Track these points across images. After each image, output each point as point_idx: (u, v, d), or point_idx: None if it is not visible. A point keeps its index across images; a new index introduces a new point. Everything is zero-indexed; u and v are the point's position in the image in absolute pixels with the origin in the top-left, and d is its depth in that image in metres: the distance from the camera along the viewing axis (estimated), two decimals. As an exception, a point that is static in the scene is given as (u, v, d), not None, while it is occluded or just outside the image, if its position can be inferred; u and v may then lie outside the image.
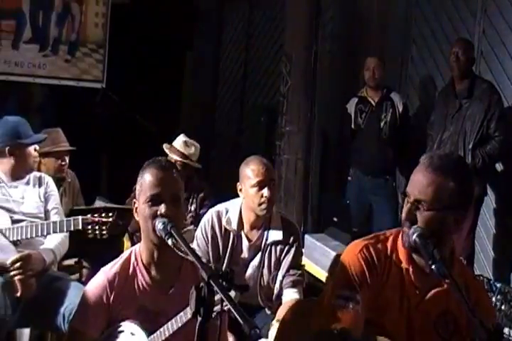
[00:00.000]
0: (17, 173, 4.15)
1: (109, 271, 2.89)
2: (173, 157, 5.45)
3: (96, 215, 3.89)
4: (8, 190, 4.13)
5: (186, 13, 8.33)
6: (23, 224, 4.00)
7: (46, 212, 4.14)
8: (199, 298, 2.14)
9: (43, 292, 3.89)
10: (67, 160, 5.23)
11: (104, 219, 3.89)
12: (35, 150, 4.19)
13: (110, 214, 3.90)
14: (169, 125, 5.82)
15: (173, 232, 2.56)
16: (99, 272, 2.93)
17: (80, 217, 3.90)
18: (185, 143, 5.57)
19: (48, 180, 4.29)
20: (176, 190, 2.78)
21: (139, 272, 2.87)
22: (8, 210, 4.07)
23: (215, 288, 2.15)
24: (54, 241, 4.06)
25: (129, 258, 2.90)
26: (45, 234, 3.96)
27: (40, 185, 4.22)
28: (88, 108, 7.42)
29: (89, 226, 3.88)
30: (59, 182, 5.19)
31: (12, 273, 3.82)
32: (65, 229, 3.93)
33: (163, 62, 7.87)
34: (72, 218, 3.93)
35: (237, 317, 2.03)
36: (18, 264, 3.83)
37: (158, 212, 2.69)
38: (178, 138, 5.61)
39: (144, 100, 7.64)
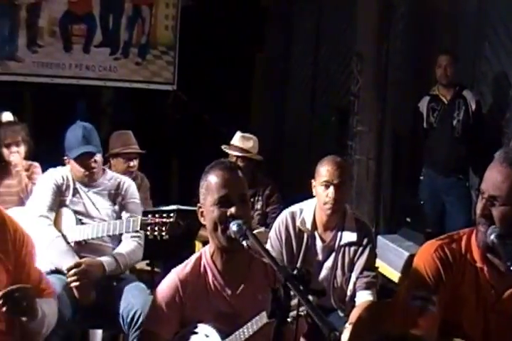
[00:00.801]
0: (82, 179, 4.20)
1: (180, 271, 2.90)
2: (233, 153, 5.48)
3: (156, 216, 3.85)
4: (81, 194, 4.17)
5: (255, 13, 8.32)
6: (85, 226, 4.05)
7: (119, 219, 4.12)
8: (276, 301, 2.12)
9: (103, 292, 3.91)
10: (136, 163, 5.32)
11: (164, 220, 3.83)
12: (94, 161, 4.18)
13: (171, 215, 3.85)
14: (239, 126, 5.80)
15: (248, 234, 2.54)
16: (170, 273, 2.93)
17: (139, 218, 3.89)
18: (243, 137, 5.58)
19: (128, 186, 4.26)
20: (244, 190, 2.76)
21: (210, 272, 2.87)
22: (78, 213, 4.11)
23: (292, 291, 2.12)
24: (123, 249, 4.05)
25: (199, 259, 2.90)
26: (104, 234, 3.96)
27: (117, 191, 4.21)
28: (159, 110, 7.49)
29: (149, 227, 3.84)
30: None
31: (68, 280, 3.87)
32: (124, 230, 3.93)
33: (232, 63, 7.86)
34: (131, 219, 3.93)
35: (316, 319, 1.99)
36: (73, 271, 3.86)
37: (229, 214, 2.67)
38: (236, 135, 5.63)
39: (214, 101, 7.66)
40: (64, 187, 4.14)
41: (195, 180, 2.90)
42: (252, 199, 5.46)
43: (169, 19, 7.28)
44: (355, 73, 6.50)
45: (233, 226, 2.60)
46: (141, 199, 5.35)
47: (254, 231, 5.05)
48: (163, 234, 3.84)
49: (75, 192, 4.15)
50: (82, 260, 3.90)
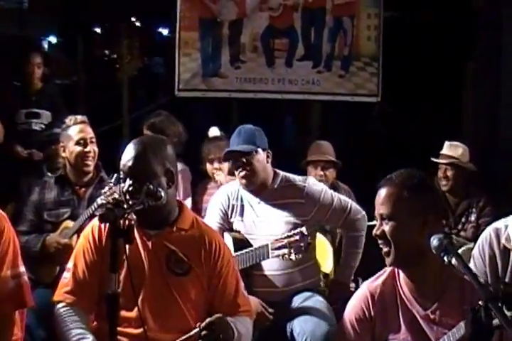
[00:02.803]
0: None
1: (371, 283, 2.79)
2: (441, 161, 5.31)
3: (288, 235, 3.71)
4: (254, 207, 4.03)
5: (466, 20, 7.97)
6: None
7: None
8: (475, 322, 1.98)
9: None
10: (329, 173, 5.26)
11: (292, 239, 3.70)
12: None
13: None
14: (449, 137, 5.55)
15: (449, 249, 2.37)
16: (362, 285, 2.85)
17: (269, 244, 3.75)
18: (451, 145, 5.40)
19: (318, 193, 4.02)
20: None
21: (401, 287, 2.73)
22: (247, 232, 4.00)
23: (494, 312, 1.99)
24: None
25: (392, 272, 2.78)
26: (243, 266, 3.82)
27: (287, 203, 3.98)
28: (361, 123, 7.36)
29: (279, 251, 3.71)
30: None
31: None
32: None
33: (440, 73, 7.57)
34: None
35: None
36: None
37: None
38: (444, 144, 5.44)
39: (421, 113, 7.39)
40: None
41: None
42: (466, 212, 5.30)
43: (371, 30, 7.09)
44: None
45: (434, 241, 2.41)
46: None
47: (464, 247, 4.80)
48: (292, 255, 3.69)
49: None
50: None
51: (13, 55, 7.01)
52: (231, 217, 4.03)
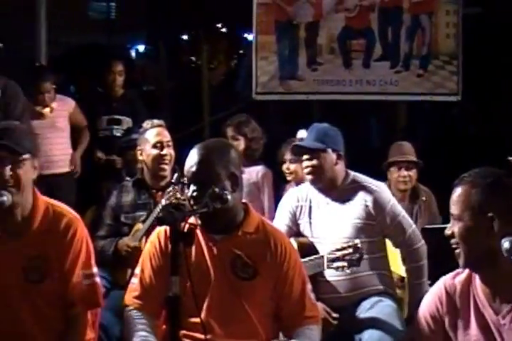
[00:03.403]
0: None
1: (448, 280, 2.70)
2: None
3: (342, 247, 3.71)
4: (322, 209, 4.00)
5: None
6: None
7: None
8: None
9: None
10: (413, 173, 5.16)
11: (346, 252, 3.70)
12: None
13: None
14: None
15: None
16: (439, 281, 2.76)
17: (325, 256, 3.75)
18: None
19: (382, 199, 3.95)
20: None
21: (475, 288, 2.64)
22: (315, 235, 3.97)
23: None
24: None
25: (470, 272, 2.69)
26: None
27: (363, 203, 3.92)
28: (444, 122, 7.24)
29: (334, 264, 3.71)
30: (413, 200, 5.11)
31: None
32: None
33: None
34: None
35: None
36: None
37: None
38: None
39: (505, 112, 7.21)
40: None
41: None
42: None
43: (450, 27, 6.95)
44: None
45: (505, 243, 2.35)
46: (430, 217, 5.16)
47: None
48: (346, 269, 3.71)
49: None
50: None
51: (99, 64, 7.19)
52: (299, 218, 4.01)
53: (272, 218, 5.06)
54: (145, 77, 12.25)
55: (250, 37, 7.44)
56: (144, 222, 4.35)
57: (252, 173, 5.30)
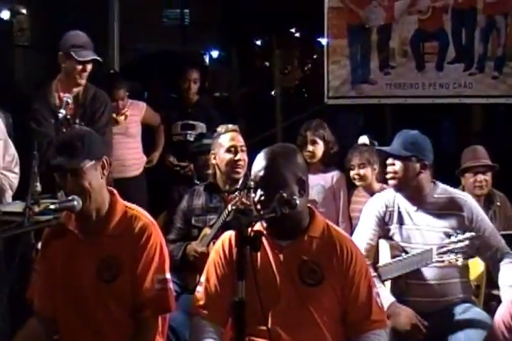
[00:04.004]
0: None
1: None
2: None
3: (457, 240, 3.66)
4: (411, 215, 3.95)
5: None
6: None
7: None
8: None
9: None
10: (488, 178, 5.10)
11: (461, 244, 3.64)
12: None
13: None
14: None
15: None
16: None
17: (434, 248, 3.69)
18: None
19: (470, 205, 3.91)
20: None
21: None
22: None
23: None
24: None
25: None
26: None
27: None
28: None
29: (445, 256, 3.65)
30: (488, 205, 5.02)
31: None
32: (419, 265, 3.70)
33: None
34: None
35: None
36: None
37: None
38: None
39: None
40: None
41: None
42: None
43: (525, 28, 6.80)
44: None
45: None
46: (505, 222, 5.06)
47: None
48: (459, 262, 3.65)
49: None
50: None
51: (174, 70, 7.27)
52: (388, 223, 3.98)
53: (347, 223, 5.05)
54: (218, 82, 12.36)
55: (324, 41, 7.43)
56: (211, 226, 4.37)
57: (328, 178, 5.27)
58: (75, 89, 4.92)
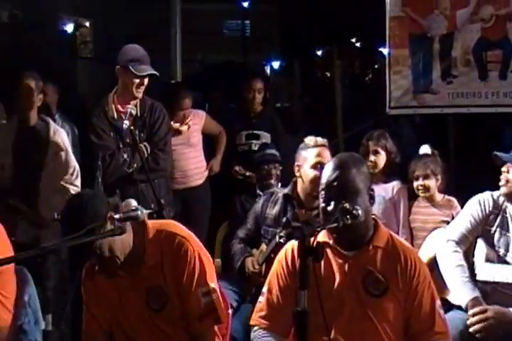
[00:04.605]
0: None
1: None
2: None
3: None
4: None
5: None
6: None
7: None
8: None
9: None
10: None
11: None
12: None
13: None
14: None
15: None
16: None
17: None
18: None
19: None
20: None
21: None
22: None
23: None
24: None
25: None
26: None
27: None
28: None
29: None
30: None
31: (468, 322, 3.62)
32: None
33: None
34: None
35: None
36: (476, 318, 3.63)
37: None
38: None
39: None
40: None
41: None
42: None
43: None
44: None
45: None
46: None
47: None
48: None
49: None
50: (490, 307, 3.63)
51: (237, 81, 7.32)
52: (490, 224, 3.93)
53: (408, 234, 5.00)
54: (279, 93, 12.39)
55: (385, 51, 7.39)
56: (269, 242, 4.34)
57: (388, 189, 5.22)
58: (132, 102, 4.97)
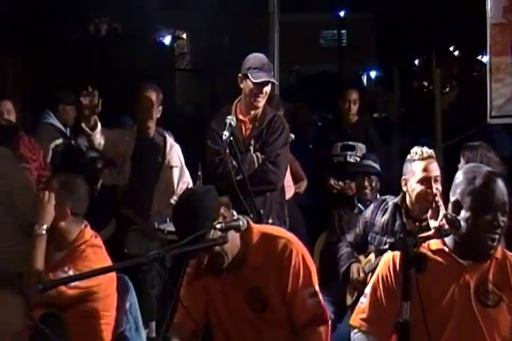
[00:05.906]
0: None
1: None
2: None
3: None
4: None
5: None
6: None
7: None
8: None
9: None
10: None
11: None
12: None
13: None
14: None
15: None
16: None
17: None
18: None
19: None
20: None
21: None
22: None
23: None
24: None
25: None
26: None
27: None
28: None
29: None
30: None
31: None
32: None
33: None
34: None
35: None
36: None
37: None
38: None
39: None
40: None
41: None
42: None
43: None
44: None
45: None
46: None
47: None
48: None
49: None
50: None
51: (332, 91, 7.30)
52: None
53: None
54: (376, 103, 12.30)
55: (484, 59, 7.25)
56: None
57: None
58: (253, 112, 4.90)
